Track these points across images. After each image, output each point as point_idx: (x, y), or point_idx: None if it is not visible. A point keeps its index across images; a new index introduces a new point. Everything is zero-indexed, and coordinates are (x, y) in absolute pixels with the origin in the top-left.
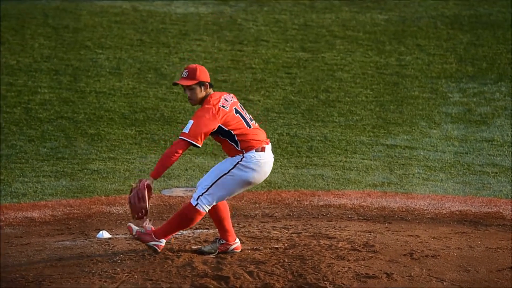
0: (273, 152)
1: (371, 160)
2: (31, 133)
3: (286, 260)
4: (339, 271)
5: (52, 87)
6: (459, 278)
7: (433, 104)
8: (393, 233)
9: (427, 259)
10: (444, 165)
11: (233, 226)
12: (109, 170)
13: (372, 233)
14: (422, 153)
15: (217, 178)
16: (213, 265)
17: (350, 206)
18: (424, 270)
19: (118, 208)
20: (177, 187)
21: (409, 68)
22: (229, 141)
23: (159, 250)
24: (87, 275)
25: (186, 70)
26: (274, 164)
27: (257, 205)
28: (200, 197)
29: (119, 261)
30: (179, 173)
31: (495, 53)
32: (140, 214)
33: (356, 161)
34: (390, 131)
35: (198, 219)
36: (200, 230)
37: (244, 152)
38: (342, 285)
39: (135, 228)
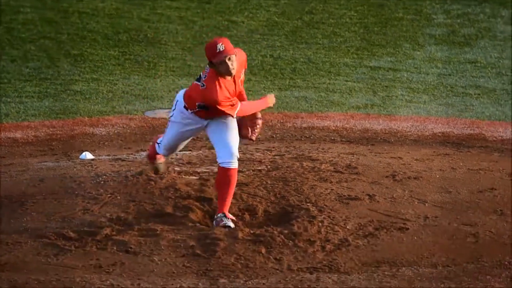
0: (257, 74)
1: (354, 82)
2: (14, 53)
3: (269, 182)
4: (321, 192)
5: (35, 6)
6: (440, 199)
7: (417, 25)
8: (375, 155)
9: (409, 180)
10: (427, 87)
11: None
12: (92, 91)
13: (354, 155)
14: (405, 75)
15: (237, 133)
16: (196, 187)
17: (333, 128)
18: (406, 192)
19: (101, 129)
20: (160, 108)
21: None
22: None
23: (233, 224)
24: (70, 196)
25: (222, 45)
26: (257, 85)
27: None
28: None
29: (102, 182)
30: (162, 95)
31: None
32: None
33: (339, 83)
34: (373, 53)
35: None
36: (183, 152)
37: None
38: (324, 206)
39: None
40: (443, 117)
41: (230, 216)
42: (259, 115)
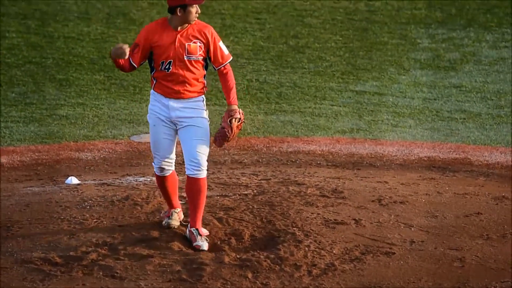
0: (242, 99)
1: (340, 106)
2: None
3: (255, 206)
4: (308, 217)
5: (20, 31)
6: (427, 223)
7: (402, 50)
8: (361, 179)
9: (395, 205)
10: (412, 111)
11: None
12: (78, 115)
13: (341, 180)
14: (391, 99)
15: (209, 136)
16: (182, 212)
17: (319, 152)
18: (393, 216)
19: (87, 154)
20: (146, 133)
21: (379, 14)
22: (204, 75)
23: (206, 245)
24: (56, 220)
25: None
26: (243, 110)
27: (226, 151)
28: (206, 163)
29: (88, 207)
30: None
31: None
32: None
33: (325, 107)
34: (359, 77)
35: None
36: None
37: (204, 92)
38: (311, 231)
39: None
40: (428, 142)
41: (203, 231)
42: (236, 117)
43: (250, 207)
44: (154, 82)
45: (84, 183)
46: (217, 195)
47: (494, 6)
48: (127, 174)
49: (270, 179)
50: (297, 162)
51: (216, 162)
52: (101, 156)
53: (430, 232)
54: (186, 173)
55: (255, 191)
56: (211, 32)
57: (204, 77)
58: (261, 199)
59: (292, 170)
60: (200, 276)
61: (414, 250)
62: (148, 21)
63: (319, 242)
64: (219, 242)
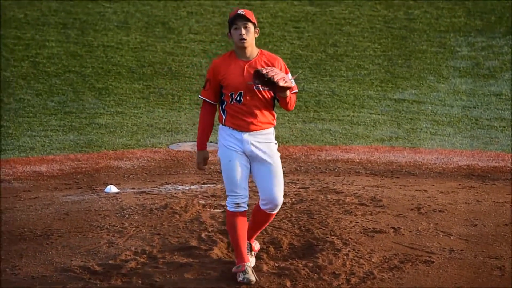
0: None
1: (378, 114)
2: (39, 87)
3: (293, 215)
4: (346, 225)
5: (59, 40)
6: (466, 232)
7: (441, 58)
8: (400, 188)
9: (434, 213)
10: (452, 119)
11: None
12: (116, 124)
13: (379, 188)
14: (430, 108)
15: (282, 177)
16: (220, 220)
17: (358, 160)
18: (432, 225)
19: (126, 162)
20: (184, 141)
21: (417, 22)
22: (273, 105)
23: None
24: (95, 229)
25: (242, 10)
26: (281, 118)
27: None
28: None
29: (127, 216)
30: (187, 128)
31: (503, 6)
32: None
33: (363, 116)
34: (398, 85)
35: None
36: (208, 185)
37: (274, 124)
38: (349, 239)
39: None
40: (468, 150)
41: (256, 246)
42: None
43: (289, 215)
44: (224, 116)
45: (123, 192)
46: (255, 204)
47: None
48: (166, 182)
49: (308, 187)
50: (336, 170)
51: None
52: (140, 164)
53: (470, 240)
54: (261, 207)
55: (293, 199)
56: (280, 63)
57: (273, 108)
58: (300, 207)
59: (331, 179)
60: (238, 284)
61: (453, 259)
62: (187, 30)
63: (358, 250)
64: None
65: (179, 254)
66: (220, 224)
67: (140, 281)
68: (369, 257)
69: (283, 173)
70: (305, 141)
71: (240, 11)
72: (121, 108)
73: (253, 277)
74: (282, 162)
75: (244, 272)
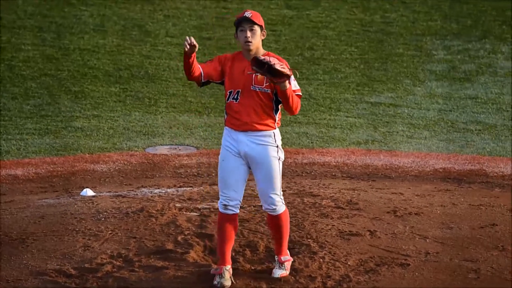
0: None
1: (355, 117)
2: (15, 91)
3: None
4: (322, 228)
5: (35, 44)
6: (442, 235)
7: (418, 61)
8: (376, 191)
9: (410, 216)
10: (428, 122)
11: (217, 184)
12: (93, 127)
13: (355, 191)
14: (406, 111)
15: (279, 175)
16: (197, 223)
17: (334, 164)
18: (407, 228)
19: (102, 165)
20: (161, 145)
21: (394, 26)
22: (274, 109)
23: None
24: (71, 232)
25: (250, 12)
26: None
27: None
28: (281, 198)
29: (103, 219)
30: (163, 131)
31: (479, 10)
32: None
33: (340, 119)
34: (374, 88)
35: None
36: (184, 188)
37: (276, 127)
38: (325, 242)
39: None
40: (444, 153)
41: (284, 258)
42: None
43: (265, 218)
44: (226, 116)
45: (99, 195)
46: None
47: (510, 18)
48: (142, 185)
49: (285, 190)
50: (312, 173)
51: None
52: (116, 168)
53: (445, 243)
54: (264, 209)
55: None
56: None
57: (275, 112)
58: None
59: (307, 182)
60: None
61: (429, 262)
62: (164, 33)
63: (334, 253)
64: (234, 254)
65: (155, 258)
66: (197, 228)
67: (116, 285)
68: (345, 260)
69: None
70: (282, 145)
71: (247, 14)
72: (98, 112)
73: (228, 282)
74: None
75: (221, 275)
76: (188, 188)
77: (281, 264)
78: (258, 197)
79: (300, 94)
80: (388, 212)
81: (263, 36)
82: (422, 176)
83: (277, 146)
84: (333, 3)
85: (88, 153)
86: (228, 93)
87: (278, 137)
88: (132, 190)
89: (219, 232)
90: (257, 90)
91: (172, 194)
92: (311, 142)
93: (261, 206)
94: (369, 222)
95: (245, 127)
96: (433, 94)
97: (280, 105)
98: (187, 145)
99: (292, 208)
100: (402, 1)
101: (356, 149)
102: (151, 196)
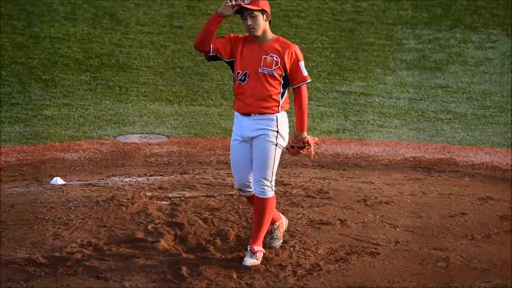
0: (228, 99)
1: (326, 106)
2: None
3: (240, 207)
4: (293, 217)
5: (5, 32)
6: (412, 224)
7: (388, 50)
8: (347, 180)
9: (380, 205)
10: (398, 111)
11: (188, 173)
12: (63, 116)
13: (326, 180)
14: (377, 100)
15: (272, 162)
16: (167, 212)
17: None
18: (378, 216)
19: (72, 154)
20: (132, 133)
21: (365, 15)
22: (280, 92)
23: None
24: (41, 221)
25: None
26: (229, 110)
27: (212, 151)
28: (272, 184)
29: (73, 208)
30: (134, 120)
31: None
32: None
33: (311, 108)
34: (345, 77)
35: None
36: (154, 177)
37: (279, 110)
38: (296, 231)
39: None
40: (414, 142)
41: (257, 249)
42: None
43: (236, 207)
44: (234, 99)
45: (69, 184)
46: (203, 196)
47: (480, 7)
48: (113, 174)
49: None
50: (283, 162)
51: (202, 163)
52: (87, 156)
53: (415, 232)
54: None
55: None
56: (292, 50)
57: (281, 96)
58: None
59: (278, 171)
60: (185, 277)
61: (399, 251)
62: (135, 21)
63: (304, 242)
64: (204, 243)
65: (125, 246)
66: (167, 216)
67: (86, 273)
68: (316, 249)
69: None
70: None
71: (245, 1)
72: (68, 100)
73: (275, 243)
74: (229, 154)
75: (271, 237)
76: (159, 177)
77: (253, 253)
78: (228, 185)
79: (309, 81)
80: (358, 201)
81: (267, 18)
82: (393, 165)
83: (277, 131)
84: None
85: (59, 142)
86: (236, 74)
87: (282, 122)
88: (103, 179)
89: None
90: (265, 72)
91: (143, 183)
92: None
93: (232, 194)
94: (340, 211)
95: (248, 109)
96: (403, 83)
97: (287, 89)
98: (158, 133)
99: None
100: None
101: (327, 138)
102: (122, 185)
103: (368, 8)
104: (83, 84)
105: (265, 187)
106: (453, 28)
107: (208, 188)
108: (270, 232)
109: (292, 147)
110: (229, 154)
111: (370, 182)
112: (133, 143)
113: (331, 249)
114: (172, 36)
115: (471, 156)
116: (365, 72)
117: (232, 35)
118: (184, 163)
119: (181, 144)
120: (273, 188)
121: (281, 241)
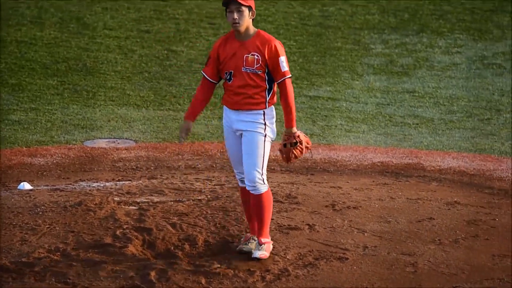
0: None
1: None
2: None
3: (209, 212)
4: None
5: None
6: (380, 228)
7: (356, 55)
8: (315, 185)
9: (348, 210)
10: (366, 116)
11: (156, 178)
12: (30, 120)
13: (294, 185)
14: (344, 105)
15: (262, 152)
16: (135, 217)
17: (273, 157)
18: (346, 221)
19: (39, 159)
20: (99, 138)
21: (332, 19)
22: (266, 88)
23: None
24: (8, 226)
25: None
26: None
27: (180, 156)
28: (263, 178)
29: (41, 213)
30: (102, 124)
31: (417, 4)
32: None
33: (279, 113)
34: (313, 82)
35: None
36: (122, 182)
37: (267, 106)
38: None
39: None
40: (382, 147)
41: (264, 240)
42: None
43: (204, 212)
44: (223, 95)
45: (37, 189)
46: (171, 201)
47: (447, 12)
48: (80, 179)
49: (224, 184)
50: None
51: (170, 168)
52: (54, 161)
53: (383, 237)
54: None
55: (209, 196)
56: (272, 45)
57: (267, 92)
58: (215, 204)
59: None
60: (153, 282)
61: (367, 255)
62: (102, 26)
63: (273, 247)
64: (172, 248)
65: (93, 252)
66: (135, 222)
67: (53, 279)
68: (284, 254)
69: (266, 155)
70: (220, 138)
71: None
72: (35, 104)
73: (246, 248)
74: (197, 159)
75: (246, 243)
76: (127, 182)
77: (261, 245)
78: (197, 190)
79: (290, 76)
80: (326, 206)
81: (253, 16)
82: (360, 170)
83: (264, 124)
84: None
85: (26, 147)
86: (224, 74)
87: (269, 116)
88: (70, 184)
89: (243, 204)
90: (248, 71)
91: (111, 188)
92: None
93: (200, 199)
94: (308, 216)
95: (236, 106)
96: (371, 88)
97: (274, 83)
98: (126, 138)
99: (232, 202)
100: None
101: None
102: (90, 190)
103: (336, 12)
104: (50, 88)
105: (256, 183)
106: (420, 33)
107: (177, 193)
108: (247, 239)
109: (285, 145)
110: (197, 159)
111: (338, 187)
112: (101, 148)
113: (299, 254)
114: (140, 41)
115: (438, 161)
116: (332, 77)
117: (212, 49)
118: (152, 168)
119: (149, 149)
120: (265, 182)
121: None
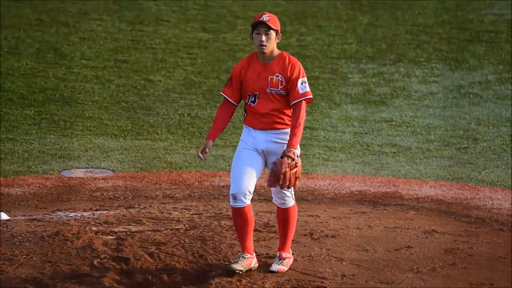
0: (174, 133)
1: None
2: None
3: (187, 241)
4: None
5: None
6: (358, 257)
7: (333, 84)
8: None
9: (326, 238)
10: (344, 145)
11: (134, 208)
12: (7, 151)
13: (272, 214)
14: (322, 134)
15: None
16: (113, 247)
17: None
18: (324, 250)
19: (16, 189)
20: (77, 168)
21: (310, 49)
22: (286, 108)
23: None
24: None
25: (267, 15)
26: (175, 144)
27: (158, 185)
28: (291, 194)
29: (18, 243)
30: (79, 154)
31: (394, 34)
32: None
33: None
34: None
35: None
36: (100, 212)
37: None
38: None
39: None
40: (359, 175)
41: (286, 255)
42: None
43: (182, 241)
44: (245, 115)
45: (14, 219)
46: (149, 230)
47: (424, 42)
48: (58, 209)
49: (202, 213)
50: (229, 196)
51: (148, 197)
52: (31, 191)
53: (361, 265)
54: (274, 201)
55: (187, 225)
56: (294, 68)
57: (288, 110)
58: (193, 233)
59: (224, 205)
60: None
61: (345, 284)
62: (79, 56)
63: (251, 276)
64: (150, 278)
65: (70, 282)
66: (113, 251)
67: None
68: (262, 283)
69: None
70: (198, 167)
71: (264, 18)
72: (12, 135)
73: (237, 266)
74: (175, 188)
75: (235, 261)
76: (105, 212)
77: (282, 259)
78: (175, 219)
79: (311, 97)
80: (304, 235)
81: (278, 39)
82: (338, 198)
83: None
84: (249, 26)
85: (3, 177)
86: (247, 96)
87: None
88: (48, 214)
89: (234, 226)
90: (273, 92)
91: (88, 218)
92: (228, 165)
93: (178, 229)
94: None
95: (263, 126)
96: (348, 117)
97: None
98: (103, 168)
99: (210, 231)
100: (318, 24)
101: None
102: (67, 220)
103: (313, 42)
104: (27, 118)
105: (286, 198)
106: (397, 62)
107: (154, 222)
108: (238, 257)
109: (286, 158)
110: (175, 188)
111: (316, 215)
112: (78, 177)
113: (277, 283)
114: (117, 70)
115: (416, 190)
116: (310, 106)
117: (234, 71)
118: (129, 197)
119: (126, 178)
120: (293, 197)
121: (243, 269)
